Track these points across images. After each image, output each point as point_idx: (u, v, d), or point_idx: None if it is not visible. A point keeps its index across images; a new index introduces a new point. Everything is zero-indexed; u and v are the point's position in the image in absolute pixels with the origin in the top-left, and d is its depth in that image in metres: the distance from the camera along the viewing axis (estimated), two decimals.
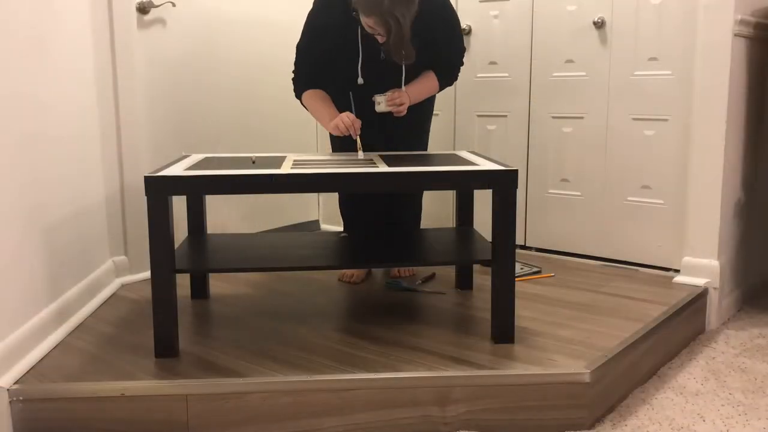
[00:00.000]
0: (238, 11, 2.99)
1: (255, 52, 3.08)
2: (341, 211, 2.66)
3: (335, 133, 2.27)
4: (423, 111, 2.50)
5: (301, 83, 2.39)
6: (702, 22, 2.41)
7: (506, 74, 2.99)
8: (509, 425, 1.80)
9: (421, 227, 2.62)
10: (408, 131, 2.49)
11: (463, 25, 3.05)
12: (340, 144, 2.43)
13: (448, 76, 2.44)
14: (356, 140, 2.24)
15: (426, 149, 2.59)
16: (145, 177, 1.82)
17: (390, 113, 2.33)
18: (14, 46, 1.86)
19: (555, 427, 1.80)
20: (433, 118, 2.60)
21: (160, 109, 2.71)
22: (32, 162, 1.96)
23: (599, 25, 2.72)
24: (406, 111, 2.32)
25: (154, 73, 2.67)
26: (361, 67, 2.31)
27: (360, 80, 2.31)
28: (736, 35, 2.38)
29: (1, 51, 1.79)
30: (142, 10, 2.60)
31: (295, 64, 2.39)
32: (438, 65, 2.40)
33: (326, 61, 2.36)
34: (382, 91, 2.32)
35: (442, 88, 2.45)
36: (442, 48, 2.37)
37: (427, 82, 2.39)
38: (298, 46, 2.38)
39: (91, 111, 2.40)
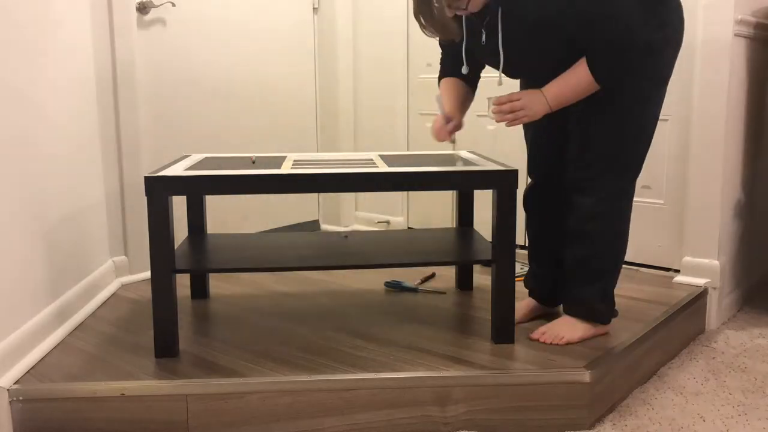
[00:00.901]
0: (238, 11, 2.99)
1: (255, 53, 3.08)
2: None
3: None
4: (602, 111, 1.87)
5: (440, 72, 2.15)
6: (702, 23, 2.41)
7: None
8: (509, 425, 1.79)
9: (421, 227, 2.61)
10: (584, 139, 1.92)
11: None
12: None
13: (601, 58, 1.77)
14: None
15: (624, 172, 1.99)
16: (145, 177, 1.82)
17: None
18: (13, 46, 1.86)
19: (555, 427, 1.80)
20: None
21: (160, 109, 2.71)
22: (32, 162, 1.96)
23: None
24: (522, 121, 1.87)
25: (154, 73, 2.67)
26: (465, 53, 1.94)
27: (464, 69, 1.95)
28: (736, 35, 2.38)
29: (0, 51, 1.79)
30: (142, 10, 2.60)
31: None
32: (590, 46, 1.78)
33: (451, 51, 2.06)
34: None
35: (600, 77, 1.78)
36: (588, 21, 1.76)
37: (573, 73, 1.80)
38: None
39: (90, 111, 2.40)
